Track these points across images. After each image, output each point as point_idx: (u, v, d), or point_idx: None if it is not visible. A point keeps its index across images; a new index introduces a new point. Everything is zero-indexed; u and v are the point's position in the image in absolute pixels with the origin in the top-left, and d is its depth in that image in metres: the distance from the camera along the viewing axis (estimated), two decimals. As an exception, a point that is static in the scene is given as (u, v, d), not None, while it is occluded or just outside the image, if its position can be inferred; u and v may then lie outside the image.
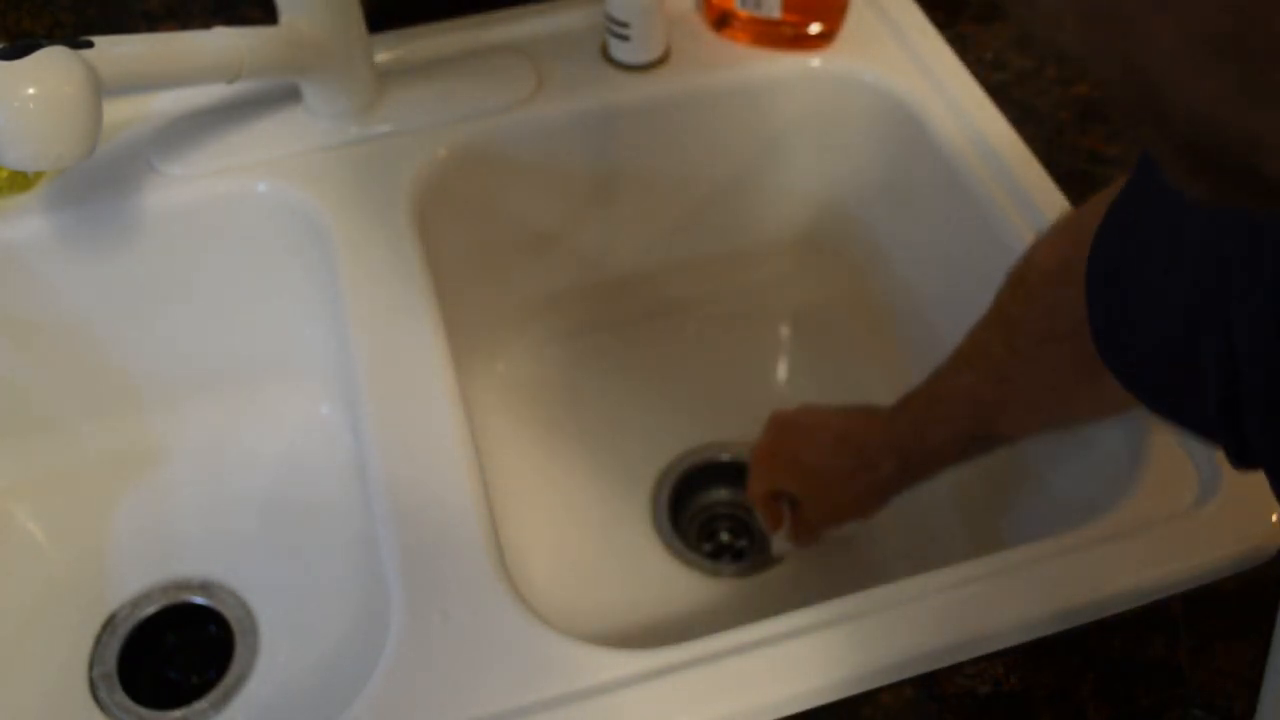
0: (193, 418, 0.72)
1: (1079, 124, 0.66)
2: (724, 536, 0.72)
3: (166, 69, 0.54)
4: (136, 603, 0.65)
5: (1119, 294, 0.36)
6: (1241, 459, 0.31)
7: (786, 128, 0.73)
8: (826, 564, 0.69)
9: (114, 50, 0.49)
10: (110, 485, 0.69)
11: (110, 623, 0.64)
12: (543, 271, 0.76)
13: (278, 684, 0.62)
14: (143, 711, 0.61)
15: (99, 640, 0.64)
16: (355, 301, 0.57)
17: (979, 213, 0.63)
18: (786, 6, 0.68)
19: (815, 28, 0.69)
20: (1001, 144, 0.64)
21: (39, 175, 0.63)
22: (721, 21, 0.71)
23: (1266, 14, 0.14)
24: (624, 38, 0.67)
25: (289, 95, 0.66)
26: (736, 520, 0.73)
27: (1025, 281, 0.48)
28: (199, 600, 0.65)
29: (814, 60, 0.70)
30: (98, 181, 0.63)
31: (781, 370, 0.80)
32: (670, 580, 0.68)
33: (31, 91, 0.45)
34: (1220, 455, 0.49)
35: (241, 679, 0.62)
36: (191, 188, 0.63)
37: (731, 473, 0.73)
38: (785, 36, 0.69)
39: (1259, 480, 0.46)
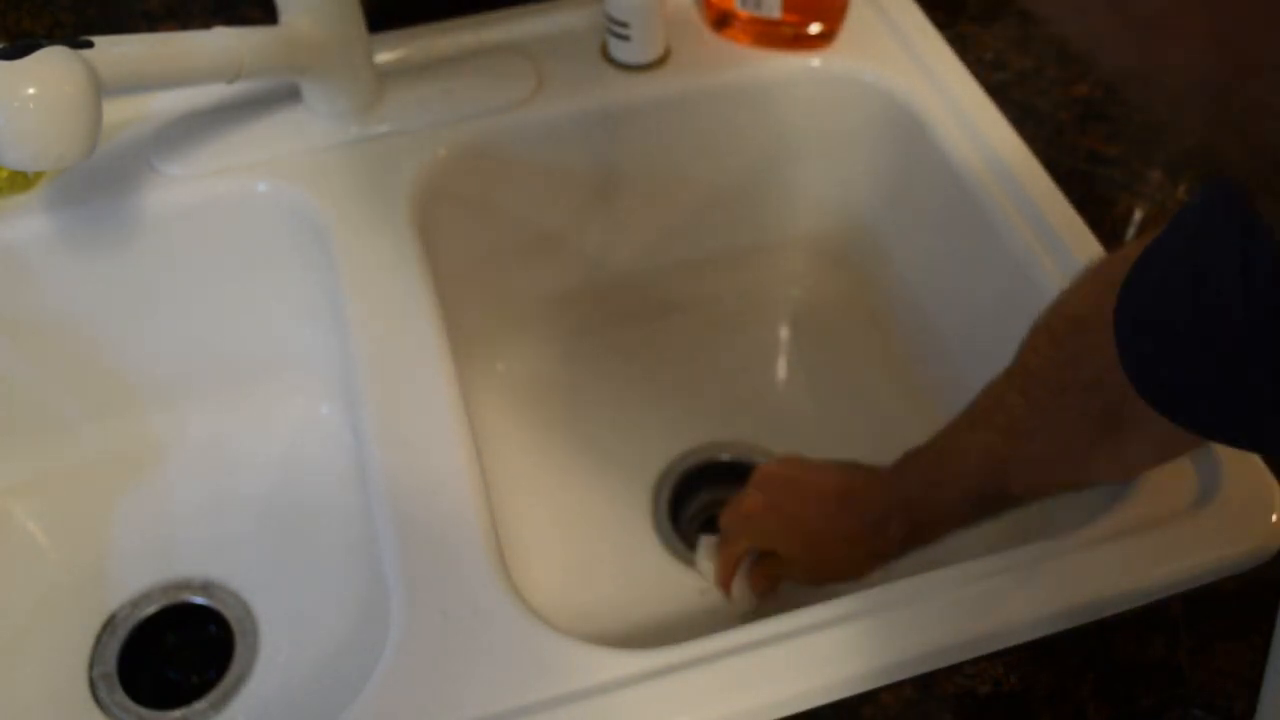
0: (193, 418, 0.72)
1: (1079, 124, 0.66)
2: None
3: (166, 69, 0.54)
4: (136, 603, 0.65)
5: (1152, 335, 0.36)
6: None
7: (786, 128, 0.73)
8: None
9: (114, 50, 0.49)
10: (110, 485, 0.69)
11: (110, 623, 0.64)
12: (543, 271, 0.76)
13: (278, 684, 0.62)
14: (143, 711, 0.61)
15: (99, 640, 0.64)
16: (355, 301, 0.57)
17: (979, 213, 0.63)
18: (786, 6, 0.68)
19: (815, 28, 0.69)
20: (1001, 144, 0.64)
21: (39, 175, 0.63)
22: (721, 21, 0.71)
23: None
24: (624, 38, 0.67)
25: (289, 95, 0.66)
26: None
27: (1049, 330, 0.46)
28: (199, 600, 0.65)
29: (814, 60, 0.70)
30: (98, 181, 0.63)
31: (781, 370, 0.80)
32: (670, 580, 0.68)
33: (31, 91, 0.45)
34: (1220, 455, 0.49)
35: (241, 679, 0.62)
36: (191, 188, 0.63)
37: (731, 473, 0.73)
38: (785, 36, 0.69)
39: (1259, 480, 0.46)
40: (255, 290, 0.68)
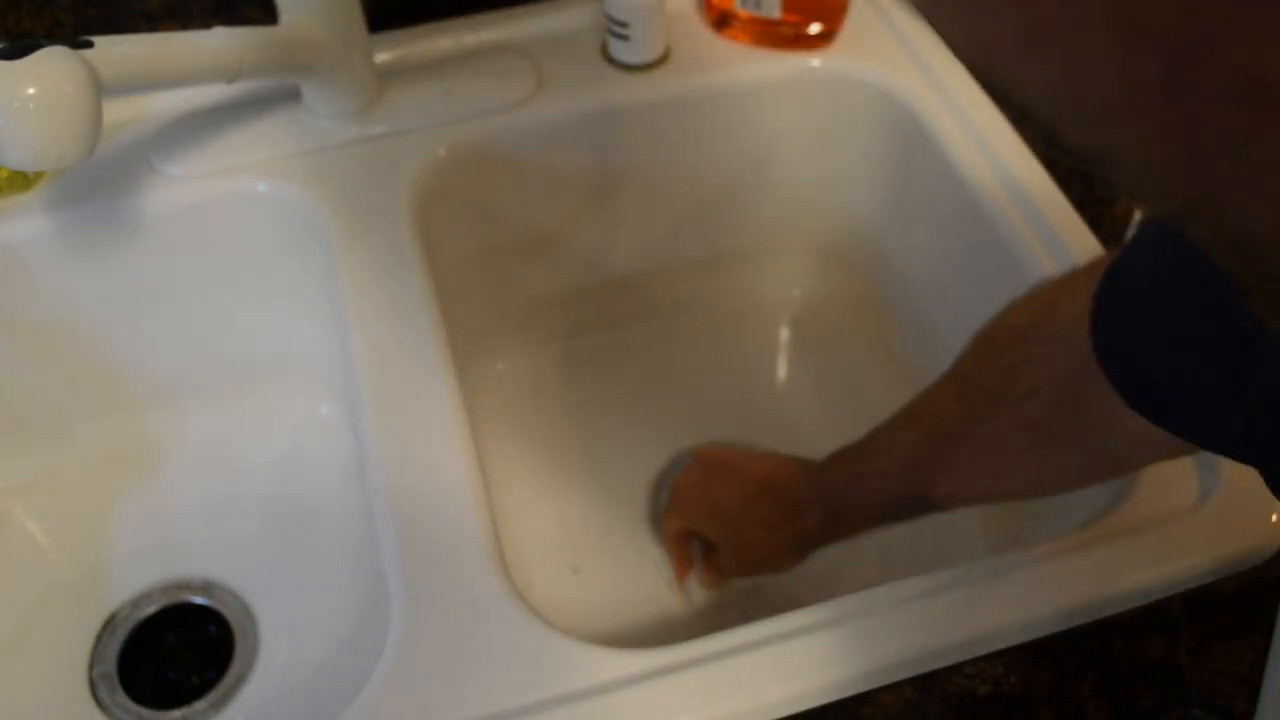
0: (192, 418, 0.72)
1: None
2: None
3: (166, 69, 0.54)
4: (136, 603, 0.65)
5: (1133, 337, 0.36)
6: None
7: (786, 128, 0.73)
8: (827, 564, 0.69)
9: (114, 50, 0.49)
10: (110, 485, 0.69)
11: (110, 623, 0.64)
12: (543, 271, 0.76)
13: (278, 684, 0.62)
14: (143, 711, 0.61)
15: (99, 640, 0.64)
16: (355, 301, 0.57)
17: (979, 213, 0.63)
18: (786, 6, 0.68)
19: (815, 28, 0.69)
20: (1001, 144, 0.64)
21: (39, 175, 0.63)
22: (721, 21, 0.71)
23: None
24: (624, 38, 0.67)
25: (289, 95, 0.66)
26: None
27: (990, 340, 0.46)
28: (199, 600, 0.65)
29: (814, 60, 0.70)
30: (98, 181, 0.63)
31: (781, 370, 0.80)
32: (670, 580, 0.68)
33: (31, 91, 0.45)
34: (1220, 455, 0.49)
35: (241, 679, 0.62)
36: (191, 188, 0.63)
37: (731, 473, 0.73)
38: (785, 36, 0.69)
39: (1259, 480, 0.46)
40: (255, 290, 0.68)
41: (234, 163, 0.64)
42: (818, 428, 0.75)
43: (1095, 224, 0.59)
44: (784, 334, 0.81)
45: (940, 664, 0.45)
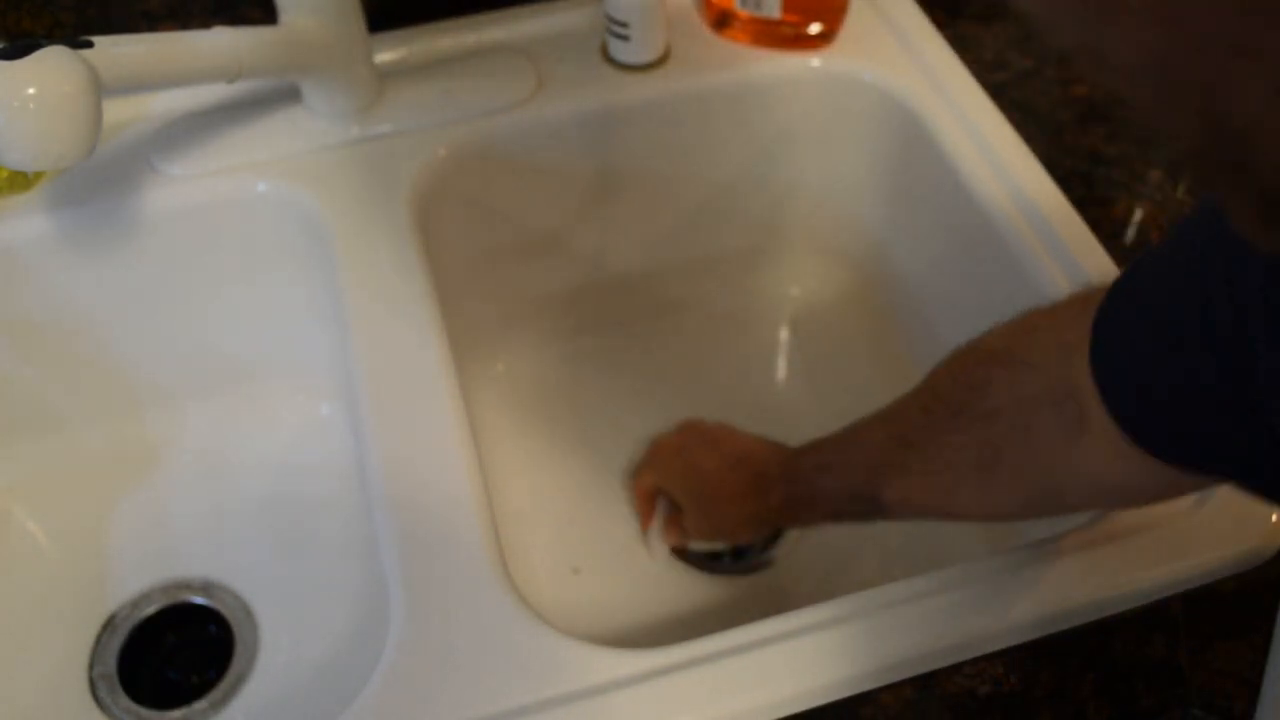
0: (193, 418, 0.72)
1: (1079, 124, 0.66)
2: (724, 536, 0.72)
3: (166, 69, 0.54)
4: (136, 603, 0.65)
5: (1132, 365, 0.36)
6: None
7: (786, 128, 0.73)
8: (827, 563, 0.69)
9: (114, 50, 0.49)
10: (110, 485, 0.69)
11: (110, 623, 0.64)
12: (543, 271, 0.76)
13: (278, 684, 0.62)
14: (143, 711, 0.61)
15: (99, 640, 0.64)
16: (355, 301, 0.57)
17: (979, 213, 0.63)
18: (786, 6, 0.68)
19: (815, 28, 0.69)
20: (1001, 144, 0.64)
21: (39, 175, 0.63)
22: (721, 21, 0.71)
23: None
24: (624, 38, 0.67)
25: (289, 95, 0.66)
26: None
27: (964, 357, 0.47)
28: (199, 600, 0.65)
29: (814, 60, 0.70)
30: (98, 181, 0.63)
31: (781, 370, 0.80)
32: (670, 580, 0.68)
33: (31, 91, 0.45)
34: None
35: (241, 679, 0.62)
36: (191, 188, 0.63)
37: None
38: (785, 36, 0.69)
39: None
40: (255, 290, 0.68)
41: (234, 163, 0.64)
42: (817, 428, 0.74)
43: (1095, 224, 0.59)
44: (784, 334, 0.81)
45: (940, 664, 0.45)
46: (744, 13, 0.69)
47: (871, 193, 0.75)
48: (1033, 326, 0.43)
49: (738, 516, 0.61)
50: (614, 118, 0.69)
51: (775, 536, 0.71)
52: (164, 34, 0.55)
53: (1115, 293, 0.37)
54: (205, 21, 0.59)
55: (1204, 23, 0.14)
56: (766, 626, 0.45)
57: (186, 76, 0.56)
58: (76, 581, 0.66)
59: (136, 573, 0.66)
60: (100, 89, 0.47)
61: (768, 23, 0.69)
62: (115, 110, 0.65)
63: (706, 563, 0.69)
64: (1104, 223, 0.60)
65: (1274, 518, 0.48)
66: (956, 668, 0.45)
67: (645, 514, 0.67)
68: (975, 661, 0.45)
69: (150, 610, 0.65)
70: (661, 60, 0.69)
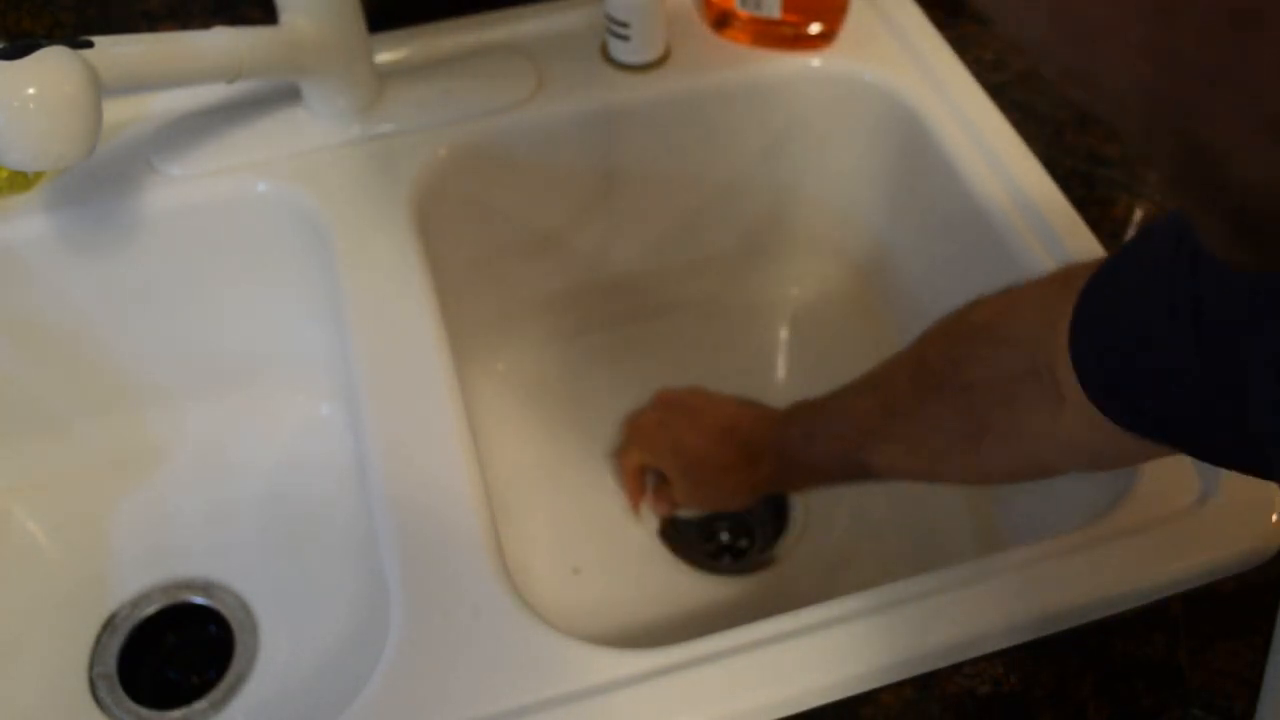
0: (193, 418, 0.72)
1: (1079, 124, 0.66)
2: (724, 536, 0.72)
3: (166, 69, 0.54)
4: (136, 603, 0.65)
5: (1107, 348, 0.38)
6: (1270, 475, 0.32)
7: (787, 128, 0.73)
8: (827, 564, 0.69)
9: (114, 50, 0.49)
10: (110, 485, 0.69)
11: (110, 623, 0.64)
12: (543, 271, 0.76)
13: (278, 684, 0.62)
14: (143, 711, 0.61)
15: (99, 640, 0.64)
16: (355, 301, 0.57)
17: (979, 213, 0.63)
18: (786, 6, 0.68)
19: (815, 28, 0.69)
20: (1001, 144, 0.64)
21: (39, 175, 0.63)
22: (721, 21, 0.71)
23: None
24: (624, 38, 0.67)
25: (289, 95, 0.66)
26: (736, 520, 0.73)
27: (947, 329, 0.49)
28: (199, 600, 0.65)
29: (814, 60, 0.70)
30: (98, 181, 0.63)
31: (781, 370, 0.80)
32: (670, 580, 0.68)
33: (31, 91, 0.45)
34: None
35: (241, 679, 0.62)
36: (191, 188, 0.63)
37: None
38: (785, 36, 0.69)
39: (1259, 480, 0.46)
40: (255, 290, 0.68)
41: (234, 163, 0.64)
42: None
43: (1095, 224, 0.59)
44: (784, 334, 0.81)
45: (940, 664, 0.45)
46: (744, 13, 0.69)
47: (871, 193, 0.75)
48: (1014, 304, 0.45)
49: (730, 487, 0.63)
50: (614, 118, 0.69)
51: (775, 536, 0.71)
52: (164, 34, 0.55)
53: (1097, 278, 0.38)
54: (205, 21, 0.59)
55: (1189, 54, 0.15)
56: (766, 626, 0.45)
57: (186, 76, 0.56)
58: (76, 581, 0.66)
59: (136, 573, 0.66)
60: (100, 89, 0.47)
61: (768, 23, 0.69)
62: (115, 110, 0.65)
63: (707, 562, 0.69)
64: (1104, 223, 0.60)
65: (1274, 518, 0.48)
66: (956, 668, 0.45)
67: (634, 491, 0.68)
68: (975, 661, 0.45)
69: (150, 610, 0.65)
70: (661, 60, 0.69)
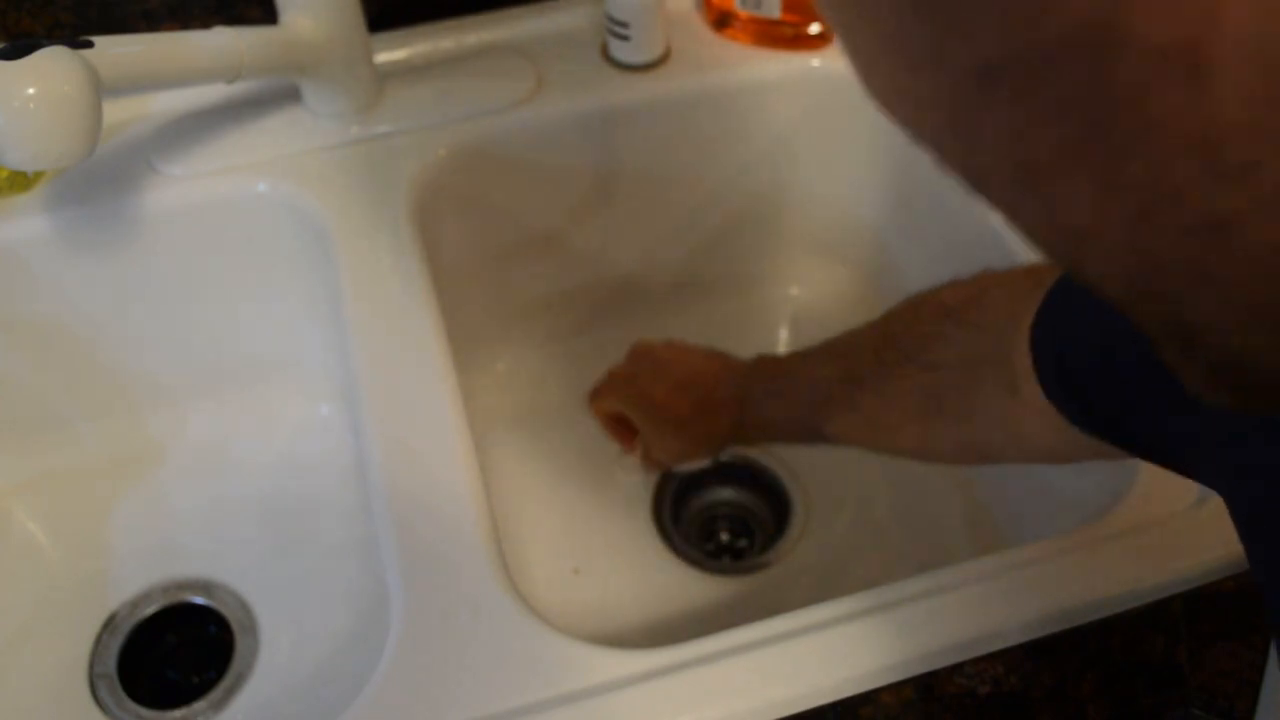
0: (193, 418, 0.72)
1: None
2: (724, 536, 0.72)
3: (166, 69, 0.54)
4: (136, 603, 0.65)
5: (1071, 351, 0.39)
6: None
7: (787, 128, 0.73)
8: (827, 564, 0.69)
9: (114, 50, 0.49)
10: (110, 485, 0.69)
11: (110, 623, 0.64)
12: (542, 271, 0.76)
13: (278, 684, 0.62)
14: (143, 711, 0.61)
15: (99, 640, 0.64)
16: (355, 301, 0.57)
17: (980, 213, 0.63)
18: (786, 6, 0.68)
19: (815, 28, 0.69)
20: (1001, 144, 0.64)
21: (39, 175, 0.63)
22: (721, 21, 0.71)
23: None
24: (624, 38, 0.67)
25: (289, 95, 0.66)
26: (736, 520, 0.73)
27: (918, 307, 0.51)
28: (199, 600, 0.65)
29: (814, 60, 0.70)
30: (98, 181, 0.63)
31: (781, 370, 0.80)
32: (670, 580, 0.68)
33: (31, 91, 0.45)
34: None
35: (241, 679, 0.62)
36: (191, 188, 0.63)
37: (733, 473, 0.73)
38: (785, 36, 0.69)
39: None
40: (255, 290, 0.68)
41: (234, 163, 0.64)
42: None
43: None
44: (784, 334, 0.81)
45: (940, 664, 0.45)
46: (744, 13, 0.69)
47: (871, 192, 0.75)
48: (984, 290, 0.46)
49: (689, 437, 0.64)
50: (614, 118, 0.69)
51: (775, 536, 0.71)
52: (164, 34, 0.55)
53: (1066, 278, 0.39)
54: (205, 21, 0.59)
55: (1170, 253, 0.16)
56: (766, 626, 0.45)
57: (186, 76, 0.56)
58: (76, 581, 0.66)
59: (136, 573, 0.66)
60: (100, 89, 0.47)
61: (768, 23, 0.69)
62: (115, 110, 0.65)
63: (707, 562, 0.69)
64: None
65: (1274, 518, 0.47)
66: (956, 668, 0.45)
67: (617, 435, 0.68)
68: (975, 661, 0.45)
69: (150, 610, 0.65)
70: (661, 60, 0.69)
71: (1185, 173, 0.14)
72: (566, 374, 0.78)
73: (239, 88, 0.64)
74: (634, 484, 0.72)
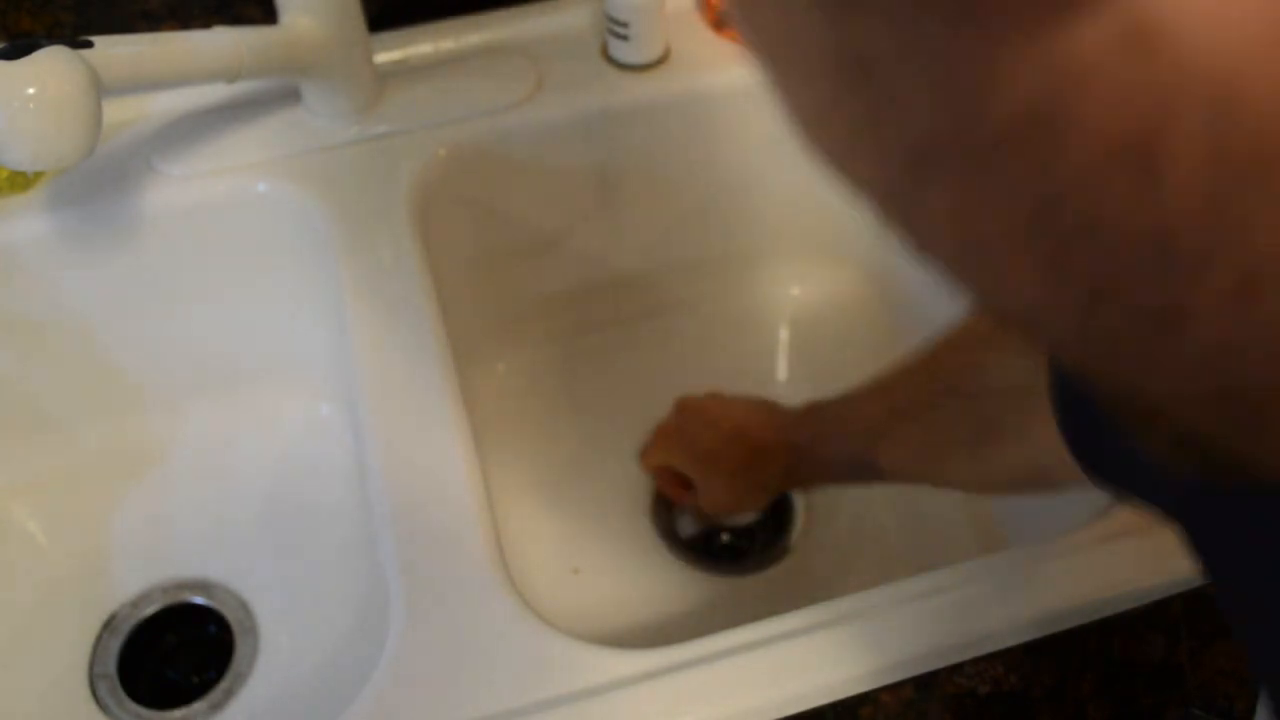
0: (193, 418, 0.71)
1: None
2: (724, 536, 0.72)
3: (166, 69, 0.54)
4: (136, 603, 0.65)
5: (1079, 400, 0.38)
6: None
7: (787, 128, 0.73)
8: (827, 564, 0.69)
9: (114, 50, 0.49)
10: (110, 485, 0.69)
11: (110, 623, 0.64)
12: (543, 272, 0.76)
13: (278, 684, 0.62)
14: (143, 711, 0.61)
15: (99, 640, 0.64)
16: (355, 301, 0.57)
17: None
18: (786, 6, 0.68)
19: (815, 28, 0.69)
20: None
21: (39, 175, 0.63)
22: (721, 21, 0.71)
23: (1252, 381, 0.15)
24: (624, 38, 0.67)
25: (289, 95, 0.66)
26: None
27: (958, 338, 0.50)
28: (199, 600, 0.65)
29: (814, 60, 0.70)
30: (98, 181, 0.63)
31: (781, 371, 0.80)
32: (670, 580, 0.68)
33: (31, 91, 0.45)
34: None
35: (241, 679, 0.62)
36: (191, 188, 0.63)
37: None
38: (785, 36, 0.69)
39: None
40: (255, 290, 0.68)
41: (234, 163, 0.64)
42: (818, 428, 0.75)
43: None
44: (784, 334, 0.81)
45: (940, 664, 0.45)
46: (744, 13, 0.69)
47: (871, 193, 0.75)
48: None
49: (743, 486, 0.64)
50: (614, 118, 0.69)
51: (775, 537, 0.71)
52: (164, 34, 0.55)
53: None
54: (205, 21, 0.59)
55: (1122, 340, 0.16)
56: (766, 626, 0.45)
57: (186, 76, 0.56)
58: (76, 581, 0.66)
59: (136, 573, 0.66)
60: (100, 89, 0.47)
61: (768, 23, 0.69)
62: (115, 110, 0.65)
63: (707, 562, 0.69)
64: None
65: (1274, 518, 0.47)
66: (956, 668, 0.45)
67: (668, 485, 0.69)
68: (975, 661, 0.45)
69: (150, 610, 0.65)
70: (661, 60, 0.69)
71: (1136, 263, 0.14)
72: (566, 374, 0.78)
73: (239, 88, 0.64)
74: (634, 484, 0.72)
